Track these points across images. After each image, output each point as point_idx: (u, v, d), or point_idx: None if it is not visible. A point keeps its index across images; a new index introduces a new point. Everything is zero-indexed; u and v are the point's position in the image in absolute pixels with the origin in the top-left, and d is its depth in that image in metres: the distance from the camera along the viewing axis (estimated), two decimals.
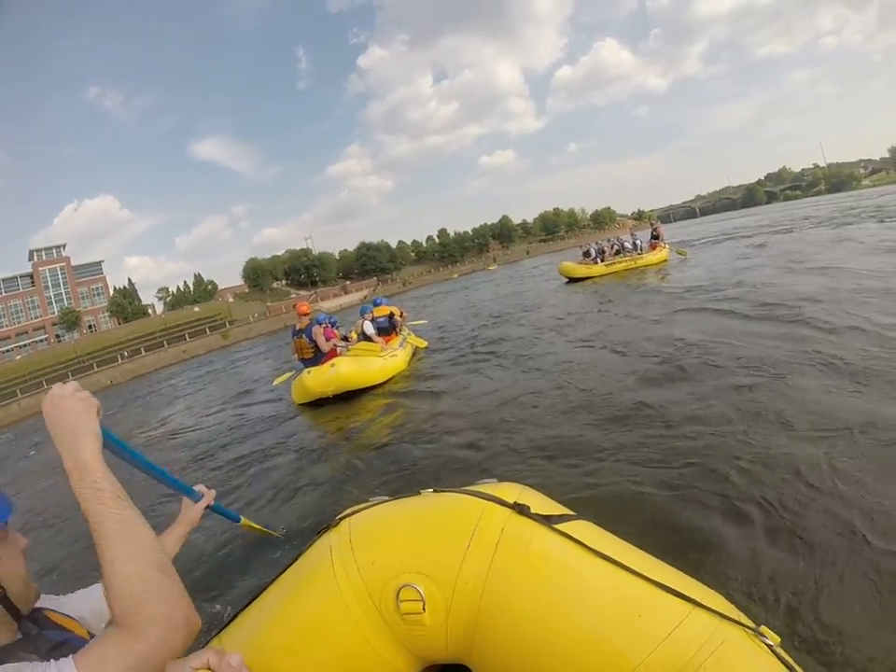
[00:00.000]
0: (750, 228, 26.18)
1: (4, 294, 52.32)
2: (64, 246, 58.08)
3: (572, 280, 16.39)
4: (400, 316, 8.39)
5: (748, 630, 0.90)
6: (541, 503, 1.22)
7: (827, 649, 1.57)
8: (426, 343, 8.88)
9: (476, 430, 4.16)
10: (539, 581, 0.99)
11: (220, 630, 1.16)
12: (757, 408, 3.40)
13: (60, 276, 55.61)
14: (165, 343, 38.66)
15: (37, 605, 0.84)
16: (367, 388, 6.46)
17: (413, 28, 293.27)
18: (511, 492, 1.21)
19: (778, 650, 0.89)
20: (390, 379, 6.86)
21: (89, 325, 54.45)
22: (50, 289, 54.51)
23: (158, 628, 0.67)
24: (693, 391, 3.98)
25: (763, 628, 0.92)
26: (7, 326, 51.19)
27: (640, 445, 3.21)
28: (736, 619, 0.91)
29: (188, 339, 39.24)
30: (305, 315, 6.78)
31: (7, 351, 47.93)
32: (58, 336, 51.82)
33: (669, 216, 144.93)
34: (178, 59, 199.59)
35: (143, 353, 36.60)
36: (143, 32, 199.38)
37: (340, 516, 1.29)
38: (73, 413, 0.78)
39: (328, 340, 6.73)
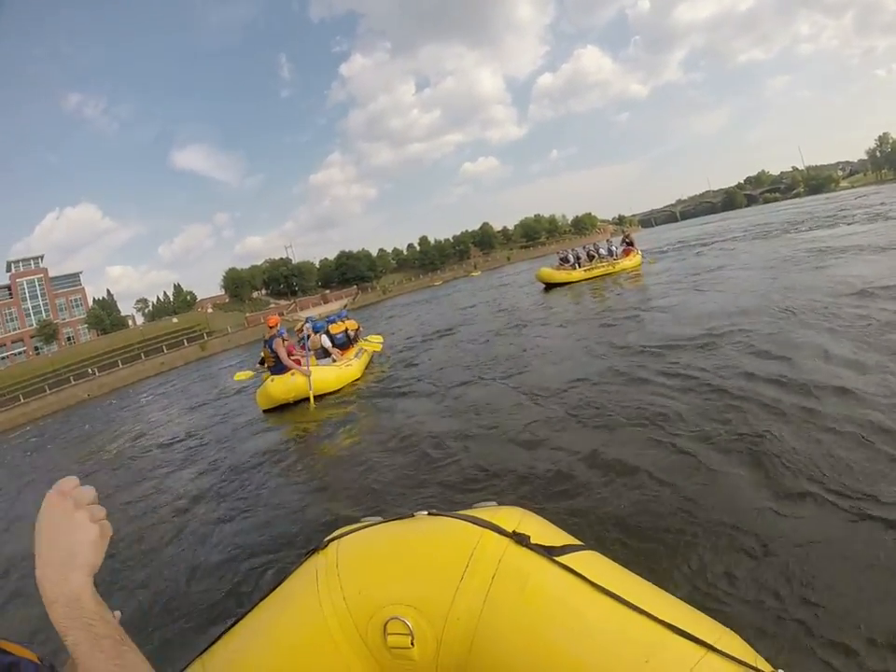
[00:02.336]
0: (714, 234, 26.41)
1: None
2: (42, 258, 57.07)
3: (550, 286, 16.42)
4: (356, 330, 9.58)
5: None
6: (543, 531, 1.13)
7: None
8: (380, 347, 9.66)
9: (453, 443, 4.12)
10: (537, 620, 0.92)
11: (202, 652, 1.08)
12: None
13: (38, 288, 54.57)
14: (143, 355, 38.37)
15: None
16: (325, 394, 7.13)
17: (396, 37, 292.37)
18: (511, 518, 1.12)
19: None
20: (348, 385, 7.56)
21: (67, 337, 53.46)
22: (28, 301, 53.44)
23: None
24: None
25: None
26: None
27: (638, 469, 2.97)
28: (752, 664, 0.82)
29: (165, 351, 39.15)
30: (272, 327, 7.14)
31: None
32: (36, 349, 50.63)
33: (650, 220, 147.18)
34: (161, 67, 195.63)
35: (120, 366, 36.21)
36: (125, 41, 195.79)
37: (329, 538, 1.21)
38: (81, 532, 0.61)
39: (289, 355, 7.07)
